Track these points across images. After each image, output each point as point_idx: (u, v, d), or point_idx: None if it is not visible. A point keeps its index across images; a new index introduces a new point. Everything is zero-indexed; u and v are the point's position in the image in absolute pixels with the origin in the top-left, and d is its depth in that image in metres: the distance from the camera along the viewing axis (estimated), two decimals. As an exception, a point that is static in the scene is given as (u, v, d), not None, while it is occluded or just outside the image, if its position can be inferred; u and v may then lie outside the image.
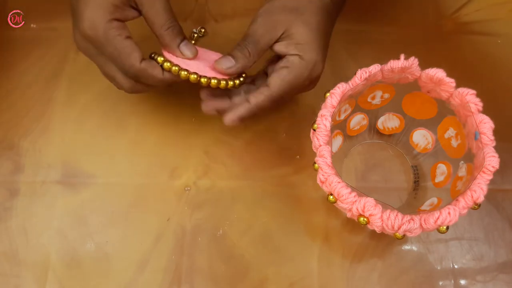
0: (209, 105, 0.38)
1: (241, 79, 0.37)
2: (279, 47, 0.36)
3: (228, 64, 0.36)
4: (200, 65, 0.36)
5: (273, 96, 0.35)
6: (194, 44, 0.38)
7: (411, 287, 0.38)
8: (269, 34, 0.35)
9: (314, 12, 0.36)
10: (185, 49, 0.35)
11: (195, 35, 0.42)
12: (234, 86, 0.37)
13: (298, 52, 0.35)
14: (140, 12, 0.34)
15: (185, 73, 0.34)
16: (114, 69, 0.35)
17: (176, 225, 0.40)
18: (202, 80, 0.35)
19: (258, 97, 0.35)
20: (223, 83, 0.35)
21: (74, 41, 0.34)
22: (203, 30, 0.41)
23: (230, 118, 0.36)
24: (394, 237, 0.30)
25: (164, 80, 0.35)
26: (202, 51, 0.38)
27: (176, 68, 0.34)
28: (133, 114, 0.45)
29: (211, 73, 0.36)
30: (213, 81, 0.35)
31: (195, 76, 0.35)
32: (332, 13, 0.38)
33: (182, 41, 0.35)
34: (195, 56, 0.36)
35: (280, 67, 0.36)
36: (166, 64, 0.34)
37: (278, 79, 0.35)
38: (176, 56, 0.36)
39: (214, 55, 0.39)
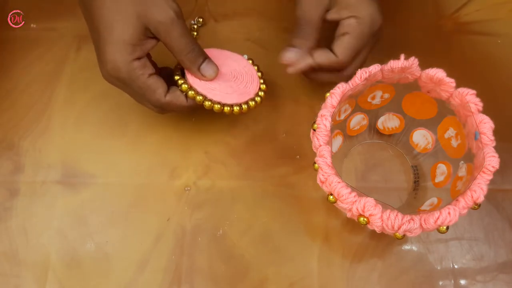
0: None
1: (261, 93, 0.39)
2: (332, 15, 0.36)
3: (293, 54, 0.36)
4: (221, 85, 0.37)
5: (339, 63, 0.36)
6: (197, 35, 0.42)
7: (411, 287, 0.38)
8: (317, 8, 0.35)
9: None
10: (206, 70, 0.36)
11: (195, 26, 0.44)
12: (256, 104, 0.38)
13: (351, 13, 0.35)
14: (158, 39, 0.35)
15: (209, 103, 0.36)
16: (142, 97, 0.36)
17: (176, 225, 0.40)
18: (225, 109, 0.36)
19: (322, 56, 0.36)
20: (244, 107, 0.37)
21: (102, 75, 0.36)
22: (201, 20, 0.44)
23: (292, 70, 0.37)
24: (394, 237, 0.30)
25: (190, 107, 0.37)
26: (218, 53, 0.39)
27: (201, 98, 0.36)
28: (133, 114, 0.45)
29: (232, 96, 0.37)
30: (236, 108, 0.37)
31: (219, 106, 0.36)
32: None
33: (202, 62, 0.36)
34: (216, 75, 0.37)
35: (340, 34, 0.36)
36: (191, 93, 0.36)
37: (342, 47, 0.35)
38: (199, 79, 0.37)
39: (230, 58, 0.40)
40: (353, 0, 0.35)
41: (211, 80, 0.37)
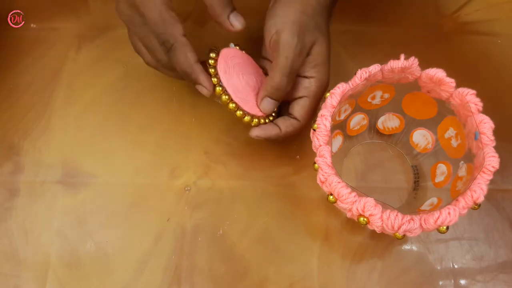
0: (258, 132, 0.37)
1: (273, 114, 0.38)
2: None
3: (272, 106, 0.36)
4: (245, 89, 0.37)
5: (301, 127, 0.37)
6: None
7: (411, 287, 0.38)
8: (301, 57, 0.35)
9: (327, 31, 0.37)
10: (235, 20, 0.35)
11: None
12: (265, 122, 0.38)
13: (314, 74, 0.35)
14: None
15: (226, 97, 0.35)
16: (155, 41, 0.33)
17: (176, 225, 0.40)
18: (238, 113, 0.35)
19: (289, 128, 0.36)
20: (255, 120, 0.36)
21: (117, 10, 0.33)
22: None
23: (257, 133, 0.36)
24: (394, 237, 0.30)
25: (190, 69, 0.34)
26: (244, 59, 0.38)
27: (220, 89, 0.34)
28: (133, 114, 0.45)
29: (250, 105, 0.36)
30: (247, 118, 0.36)
31: (234, 105, 0.35)
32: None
33: (232, 11, 0.35)
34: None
35: (298, 97, 0.36)
36: (214, 79, 0.34)
37: (303, 111, 0.36)
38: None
39: (254, 72, 0.39)
40: (322, 62, 0.35)
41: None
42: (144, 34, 0.34)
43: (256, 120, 0.37)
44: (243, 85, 0.37)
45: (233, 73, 0.36)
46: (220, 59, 0.36)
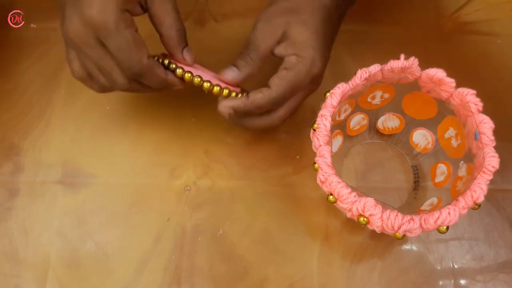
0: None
1: (245, 94, 0.37)
2: (279, 50, 0.36)
3: (233, 74, 0.36)
4: (203, 73, 0.37)
5: (273, 96, 0.35)
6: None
7: (411, 287, 0.38)
8: (268, 38, 0.35)
9: (312, 12, 0.36)
10: (187, 54, 0.36)
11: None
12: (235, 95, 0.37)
13: (295, 51, 0.35)
14: (144, 11, 0.33)
15: (199, 79, 0.34)
16: (112, 63, 0.32)
17: (176, 225, 0.40)
18: (215, 88, 0.35)
19: (257, 94, 0.35)
20: (225, 91, 0.35)
21: (66, 30, 0.31)
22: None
23: (224, 104, 0.35)
24: (394, 237, 0.30)
25: (165, 82, 0.35)
26: (199, 67, 0.39)
27: (189, 75, 0.34)
28: (133, 114, 0.45)
29: (216, 82, 0.36)
30: (225, 91, 0.35)
31: (208, 84, 0.35)
32: (332, 12, 0.38)
33: (186, 46, 0.36)
34: (194, 63, 0.36)
35: (280, 69, 0.36)
36: (179, 71, 0.34)
37: (277, 79, 0.35)
38: (176, 61, 0.35)
39: (210, 72, 0.39)
40: (302, 39, 0.35)
41: (189, 64, 0.36)
42: (98, 56, 0.32)
43: (227, 91, 0.35)
44: (207, 73, 0.37)
45: (193, 68, 0.37)
46: (175, 62, 0.36)
